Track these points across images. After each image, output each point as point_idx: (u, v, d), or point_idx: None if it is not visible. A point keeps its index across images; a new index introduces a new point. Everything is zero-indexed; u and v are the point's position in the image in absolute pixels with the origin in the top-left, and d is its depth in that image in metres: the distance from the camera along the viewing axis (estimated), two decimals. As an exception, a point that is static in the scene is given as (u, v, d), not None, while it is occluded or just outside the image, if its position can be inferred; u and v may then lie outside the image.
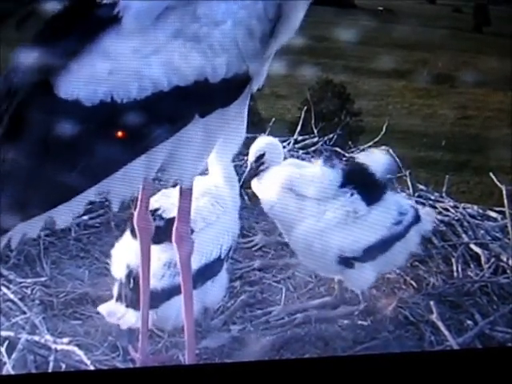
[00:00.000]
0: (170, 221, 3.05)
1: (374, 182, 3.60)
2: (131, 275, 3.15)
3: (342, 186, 3.57)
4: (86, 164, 2.42)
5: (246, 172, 3.77)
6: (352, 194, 3.54)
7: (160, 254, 3.15)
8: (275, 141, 3.91)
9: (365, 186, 3.57)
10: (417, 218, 3.67)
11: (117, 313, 3.19)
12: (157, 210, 3.24)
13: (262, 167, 3.73)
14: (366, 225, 3.48)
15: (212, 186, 3.43)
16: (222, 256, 3.30)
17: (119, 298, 3.20)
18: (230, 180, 3.52)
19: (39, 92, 2.43)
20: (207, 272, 3.24)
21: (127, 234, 3.29)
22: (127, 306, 3.16)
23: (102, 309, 3.25)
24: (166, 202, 3.23)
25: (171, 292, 3.13)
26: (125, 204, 3.81)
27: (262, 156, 3.75)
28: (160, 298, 3.15)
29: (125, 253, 3.24)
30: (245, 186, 3.87)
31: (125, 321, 3.17)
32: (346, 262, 3.48)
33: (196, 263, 3.14)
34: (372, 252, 3.48)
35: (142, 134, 2.46)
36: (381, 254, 3.51)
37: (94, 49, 2.43)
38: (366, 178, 3.60)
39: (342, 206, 3.51)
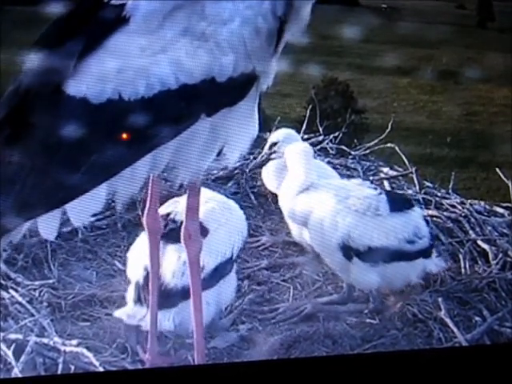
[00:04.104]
0: None
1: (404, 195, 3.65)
2: (149, 277, 3.15)
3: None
4: (93, 162, 2.43)
5: (258, 158, 3.83)
6: (380, 193, 3.60)
7: (180, 252, 3.14)
8: (294, 133, 3.96)
9: (394, 193, 3.62)
10: (429, 252, 3.62)
11: (137, 315, 3.19)
12: (170, 213, 3.27)
13: (273, 155, 3.79)
14: (381, 226, 3.48)
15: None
16: (234, 256, 3.32)
17: (139, 301, 3.20)
18: None
19: (48, 91, 2.44)
20: (221, 271, 3.25)
21: (142, 235, 3.28)
22: (148, 307, 3.16)
23: (121, 313, 3.25)
24: (178, 206, 3.24)
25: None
26: (132, 204, 3.84)
27: (274, 145, 3.81)
28: (179, 296, 3.15)
29: (141, 255, 3.23)
30: (251, 172, 3.93)
31: (147, 322, 3.17)
32: (347, 251, 3.47)
33: (212, 263, 3.18)
34: (375, 254, 3.47)
35: (149, 132, 2.47)
36: (382, 262, 3.49)
37: (103, 48, 2.44)
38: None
39: (367, 197, 3.54)
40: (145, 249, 3.18)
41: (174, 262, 3.15)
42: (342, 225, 3.47)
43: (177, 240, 3.07)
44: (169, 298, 3.13)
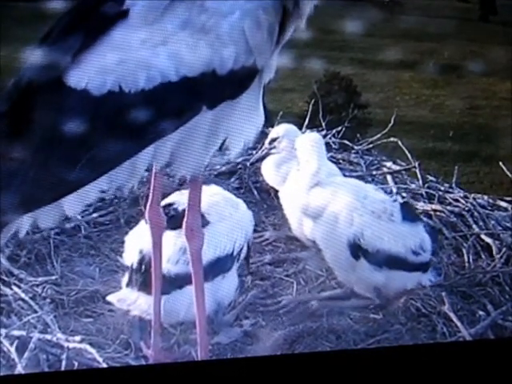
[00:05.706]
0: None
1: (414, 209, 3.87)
2: (143, 261, 3.16)
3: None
4: (94, 154, 2.43)
5: (259, 152, 3.85)
6: (395, 200, 3.68)
7: (176, 239, 3.14)
8: (294, 129, 3.97)
9: (407, 204, 3.78)
10: (427, 267, 3.62)
11: (127, 299, 3.20)
12: (172, 204, 3.28)
13: (273, 150, 3.81)
14: (393, 232, 3.51)
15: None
16: (235, 253, 3.31)
17: (130, 284, 3.21)
18: None
19: (49, 83, 2.45)
20: (219, 266, 3.24)
21: (142, 222, 3.27)
22: (139, 291, 3.17)
23: (112, 297, 3.26)
24: (181, 197, 3.24)
25: (184, 279, 3.11)
26: (135, 200, 3.84)
27: (274, 140, 3.82)
28: (173, 283, 3.15)
29: (138, 239, 3.24)
30: (254, 167, 3.95)
31: (136, 307, 3.17)
32: (356, 249, 3.50)
33: (210, 255, 3.17)
34: (381, 258, 3.49)
35: (150, 125, 2.47)
36: (385, 267, 3.51)
37: (103, 41, 2.46)
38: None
39: (384, 201, 3.61)
40: (142, 233, 3.19)
41: (170, 248, 3.15)
42: (357, 222, 3.50)
43: (175, 227, 3.08)
44: (163, 283, 3.11)
